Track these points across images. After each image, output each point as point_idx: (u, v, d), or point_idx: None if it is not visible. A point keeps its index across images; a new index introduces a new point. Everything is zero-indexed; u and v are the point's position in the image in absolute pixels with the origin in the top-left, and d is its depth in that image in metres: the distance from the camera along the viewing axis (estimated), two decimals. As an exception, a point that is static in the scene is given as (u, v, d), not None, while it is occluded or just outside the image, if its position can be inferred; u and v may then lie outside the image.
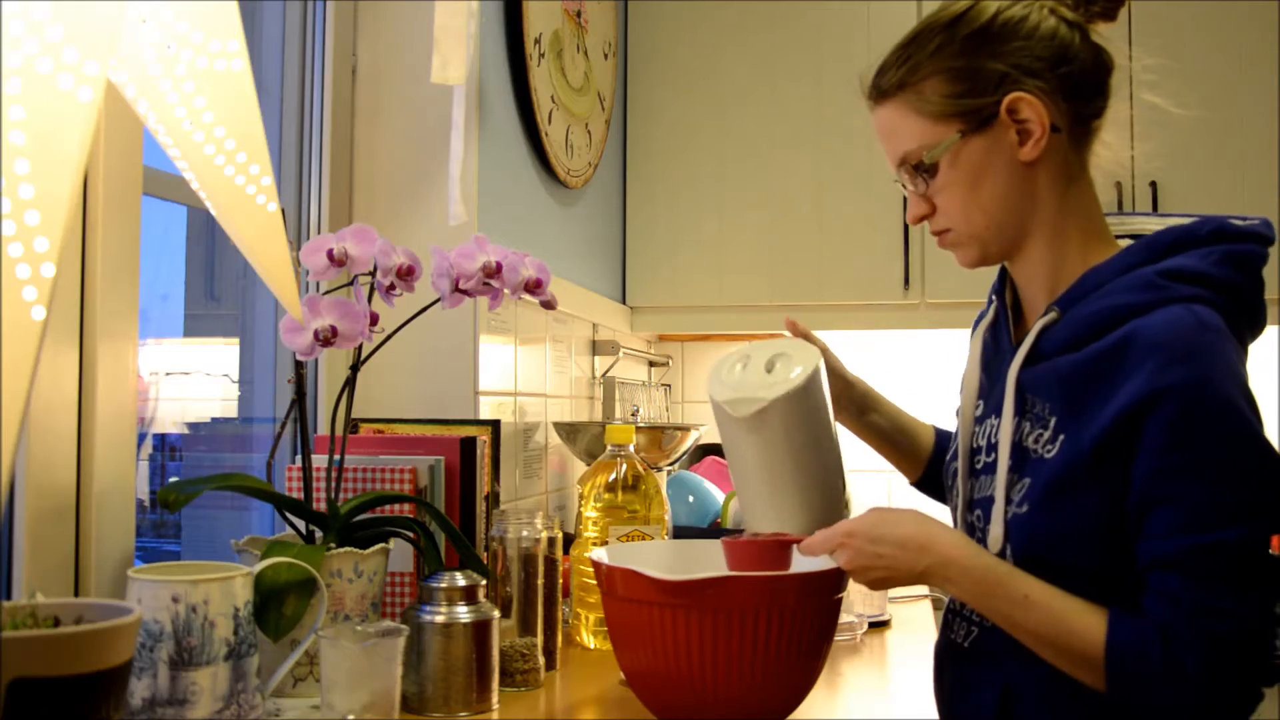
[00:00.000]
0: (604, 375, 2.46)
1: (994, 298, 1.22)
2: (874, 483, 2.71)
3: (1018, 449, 1.07)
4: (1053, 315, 1.08)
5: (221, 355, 1.66)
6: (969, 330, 1.27)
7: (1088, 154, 1.13)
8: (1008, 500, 1.06)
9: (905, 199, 1.25)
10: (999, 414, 1.10)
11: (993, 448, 1.11)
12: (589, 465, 2.01)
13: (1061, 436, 1.03)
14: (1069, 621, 0.99)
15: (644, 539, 1.48)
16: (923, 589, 2.03)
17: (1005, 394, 1.10)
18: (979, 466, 1.15)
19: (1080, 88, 1.09)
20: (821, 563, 1.12)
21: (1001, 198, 1.10)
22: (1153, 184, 2.53)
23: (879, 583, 1.07)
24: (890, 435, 1.37)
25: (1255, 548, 0.95)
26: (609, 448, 1.54)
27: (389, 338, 1.29)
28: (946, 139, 1.09)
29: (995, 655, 1.09)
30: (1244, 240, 1.06)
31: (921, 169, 1.11)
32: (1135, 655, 0.96)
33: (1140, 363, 0.98)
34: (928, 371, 2.93)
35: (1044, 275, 1.12)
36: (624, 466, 1.52)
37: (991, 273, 1.23)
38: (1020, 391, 1.08)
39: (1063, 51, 1.08)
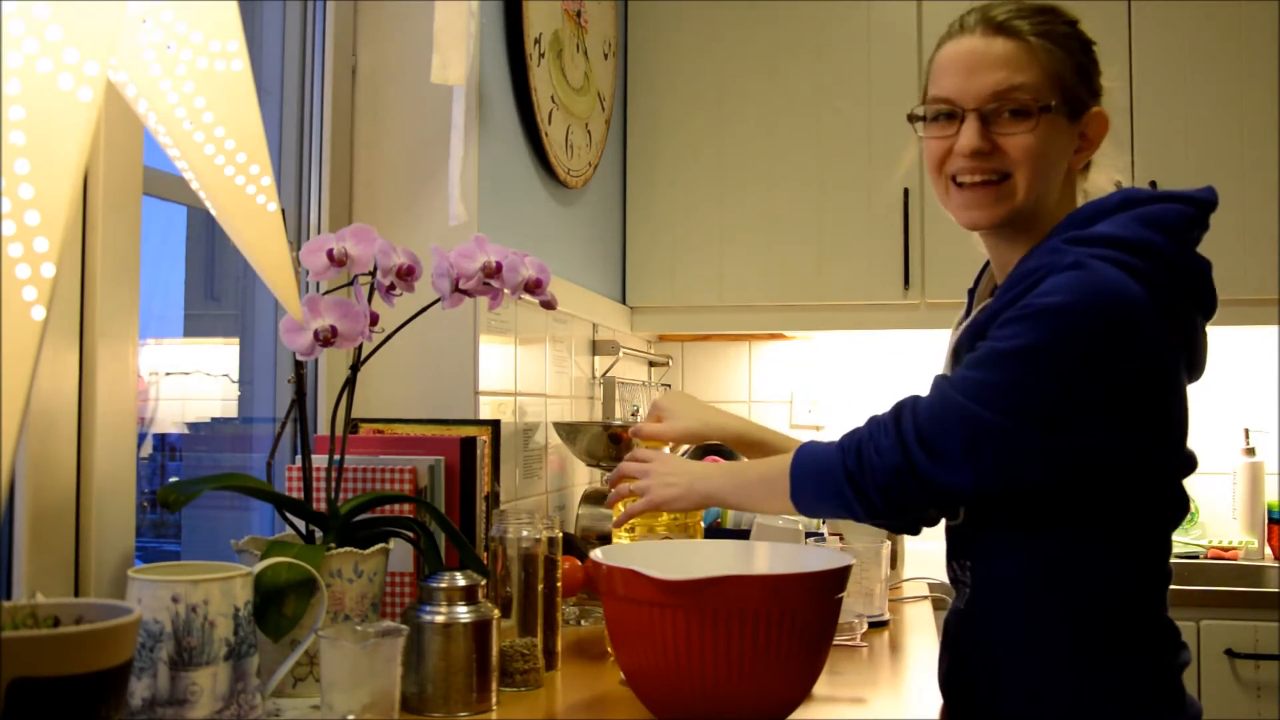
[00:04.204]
0: (604, 375, 2.46)
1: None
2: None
3: None
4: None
5: (221, 355, 1.67)
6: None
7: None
8: None
9: (922, 156, 1.31)
10: None
11: None
12: (589, 465, 2.01)
13: None
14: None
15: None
16: (923, 590, 2.04)
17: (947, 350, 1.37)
18: None
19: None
20: (821, 563, 1.13)
21: (1053, 178, 1.22)
22: (1152, 184, 2.53)
23: (667, 500, 1.33)
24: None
25: (974, 422, 1.14)
26: None
27: (389, 338, 1.29)
28: (1055, 102, 1.19)
29: (986, 608, 1.22)
30: (1154, 202, 1.15)
31: (1020, 112, 1.19)
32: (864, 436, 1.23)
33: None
34: (928, 372, 2.92)
35: (1003, 261, 1.27)
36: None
37: None
38: (964, 350, 1.27)
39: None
